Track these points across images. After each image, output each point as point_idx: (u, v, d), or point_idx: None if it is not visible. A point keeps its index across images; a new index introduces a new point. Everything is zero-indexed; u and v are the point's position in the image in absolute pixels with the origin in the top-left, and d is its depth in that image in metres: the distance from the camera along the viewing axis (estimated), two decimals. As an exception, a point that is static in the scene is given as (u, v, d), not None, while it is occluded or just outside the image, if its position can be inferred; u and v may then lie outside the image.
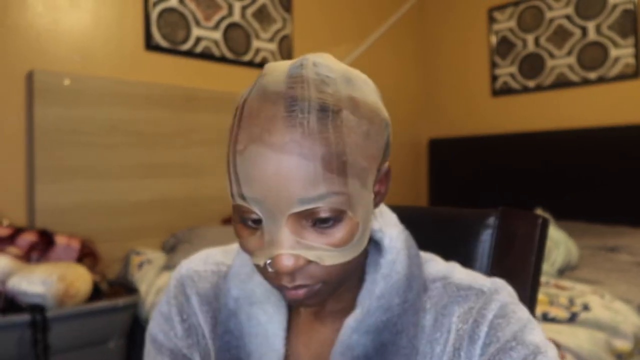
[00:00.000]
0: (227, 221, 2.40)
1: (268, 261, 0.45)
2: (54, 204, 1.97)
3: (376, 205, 0.51)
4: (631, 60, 2.69)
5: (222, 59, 2.52)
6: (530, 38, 3.06)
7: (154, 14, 2.29)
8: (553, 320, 1.47)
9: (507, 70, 3.15)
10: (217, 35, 2.50)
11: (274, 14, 2.71)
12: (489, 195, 3.10)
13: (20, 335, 1.46)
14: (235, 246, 0.63)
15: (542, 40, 3.00)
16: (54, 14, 2.04)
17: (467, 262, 0.69)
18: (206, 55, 2.46)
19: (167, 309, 0.61)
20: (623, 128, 2.66)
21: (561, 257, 1.98)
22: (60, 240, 1.78)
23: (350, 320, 0.51)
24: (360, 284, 0.55)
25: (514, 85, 3.13)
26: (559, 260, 1.97)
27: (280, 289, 0.47)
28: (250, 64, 2.59)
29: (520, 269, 0.66)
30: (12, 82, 1.94)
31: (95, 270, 1.82)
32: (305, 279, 0.46)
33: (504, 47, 3.17)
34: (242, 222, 0.47)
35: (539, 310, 1.51)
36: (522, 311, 0.51)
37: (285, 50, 2.76)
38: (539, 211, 2.34)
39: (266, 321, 0.55)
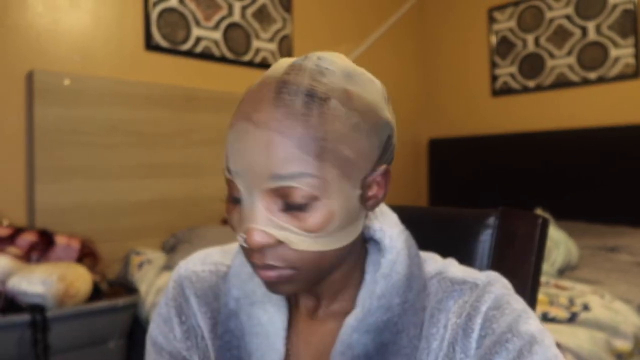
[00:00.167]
0: (227, 221, 2.40)
1: (243, 235, 0.46)
2: (54, 204, 1.97)
3: (372, 206, 0.51)
4: (631, 60, 2.69)
5: (222, 59, 2.52)
6: (530, 38, 3.06)
7: (154, 14, 2.29)
8: (553, 320, 1.47)
9: (507, 70, 3.15)
10: (217, 35, 2.50)
11: (274, 14, 2.71)
12: (489, 195, 3.10)
13: (20, 335, 1.46)
14: (234, 246, 0.63)
15: (542, 40, 3.00)
16: (54, 14, 2.04)
17: (467, 262, 0.69)
18: (206, 55, 2.46)
19: (166, 311, 0.61)
20: (623, 128, 2.66)
21: (561, 257, 1.98)
22: (60, 240, 1.78)
23: (351, 320, 0.51)
24: (360, 284, 0.55)
25: (514, 85, 3.13)
26: (559, 260, 1.97)
27: (254, 267, 0.49)
28: (250, 64, 2.59)
29: (520, 269, 0.66)
30: (12, 82, 1.94)
31: (95, 270, 1.82)
32: (275, 260, 0.47)
33: (504, 47, 3.17)
34: (229, 199, 0.49)
35: (539, 310, 1.51)
36: (517, 302, 0.51)
37: (285, 50, 2.76)
38: (539, 211, 2.34)
39: (267, 321, 0.55)
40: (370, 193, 0.50)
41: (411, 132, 3.52)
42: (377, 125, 0.48)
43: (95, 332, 1.63)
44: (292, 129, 0.44)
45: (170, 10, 2.34)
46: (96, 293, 1.69)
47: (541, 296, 1.56)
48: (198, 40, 2.43)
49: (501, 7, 3.17)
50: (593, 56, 2.81)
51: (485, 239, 0.69)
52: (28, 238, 1.74)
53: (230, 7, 2.54)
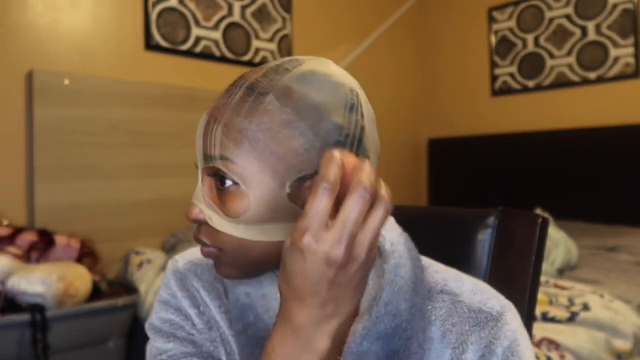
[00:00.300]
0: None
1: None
2: (53, 204, 1.97)
3: None
4: (631, 60, 2.69)
5: (222, 59, 2.52)
6: (530, 38, 3.06)
7: (154, 14, 2.29)
8: (553, 320, 1.47)
9: (507, 70, 3.15)
10: (217, 35, 2.50)
11: (274, 14, 2.71)
12: (489, 195, 3.10)
13: (20, 335, 1.46)
14: None
15: (542, 40, 3.00)
16: (54, 14, 2.04)
17: (467, 262, 0.69)
18: (206, 55, 2.46)
19: (175, 301, 0.60)
20: (623, 128, 2.66)
21: (561, 257, 1.98)
22: (60, 240, 1.78)
23: (359, 328, 0.50)
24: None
25: (514, 85, 3.13)
26: (559, 260, 1.97)
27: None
28: (250, 64, 2.59)
29: (520, 268, 0.66)
30: (12, 82, 1.94)
31: (95, 270, 1.82)
32: (204, 236, 0.51)
33: (504, 47, 3.17)
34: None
35: (539, 310, 1.51)
36: (526, 341, 0.52)
37: (285, 50, 2.76)
38: (539, 211, 2.34)
39: None
40: (301, 198, 0.49)
41: (411, 132, 3.52)
42: (319, 127, 0.47)
43: (95, 332, 1.63)
44: (222, 116, 0.48)
45: (170, 10, 2.34)
46: (96, 293, 1.69)
47: (541, 296, 1.55)
48: (198, 40, 2.43)
49: (501, 7, 3.17)
50: (593, 56, 2.81)
51: (485, 239, 0.69)
52: (28, 238, 1.74)
53: (230, 7, 2.54)
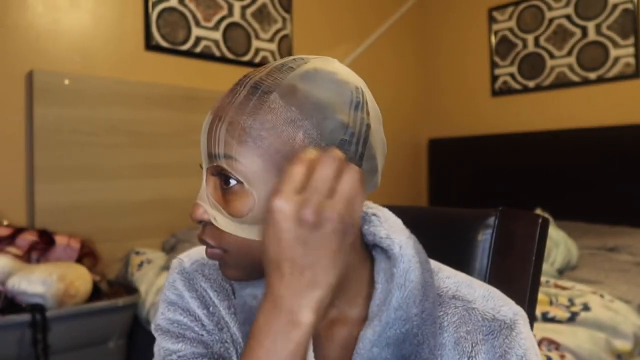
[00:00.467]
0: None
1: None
2: (53, 204, 1.97)
3: None
4: (631, 60, 2.69)
5: (222, 59, 2.52)
6: (530, 38, 3.06)
7: (154, 14, 2.29)
8: (553, 320, 1.47)
9: (507, 70, 3.15)
10: (217, 35, 2.50)
11: (274, 14, 2.71)
12: (489, 195, 3.10)
13: (20, 335, 1.46)
14: None
15: (542, 40, 3.00)
16: (54, 14, 2.04)
17: (467, 262, 0.69)
18: (206, 55, 2.46)
19: (182, 302, 0.58)
20: (623, 128, 2.66)
21: (561, 257, 1.98)
22: (60, 240, 1.78)
23: (368, 333, 0.50)
24: (371, 293, 0.53)
25: (514, 85, 3.13)
26: (559, 260, 1.97)
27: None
28: (250, 64, 2.59)
29: (520, 268, 0.66)
30: (12, 82, 1.94)
31: (95, 270, 1.82)
32: (208, 237, 0.50)
33: (504, 47, 3.17)
34: None
35: (539, 310, 1.51)
36: (536, 348, 0.52)
37: (285, 50, 2.76)
38: (539, 211, 2.34)
39: None
40: None
41: (411, 132, 3.52)
42: (323, 125, 0.47)
43: (95, 332, 1.63)
44: (226, 114, 0.48)
45: (170, 10, 2.34)
46: (96, 293, 1.69)
47: (541, 296, 1.55)
48: (198, 40, 2.43)
49: (501, 7, 3.17)
50: (593, 56, 2.81)
51: (485, 239, 0.69)
52: (28, 238, 1.74)
53: (230, 7, 2.54)
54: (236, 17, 2.56)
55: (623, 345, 1.44)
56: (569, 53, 2.89)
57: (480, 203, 1.14)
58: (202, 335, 0.56)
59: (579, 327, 1.43)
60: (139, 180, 2.21)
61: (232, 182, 0.48)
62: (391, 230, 0.54)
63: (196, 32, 2.43)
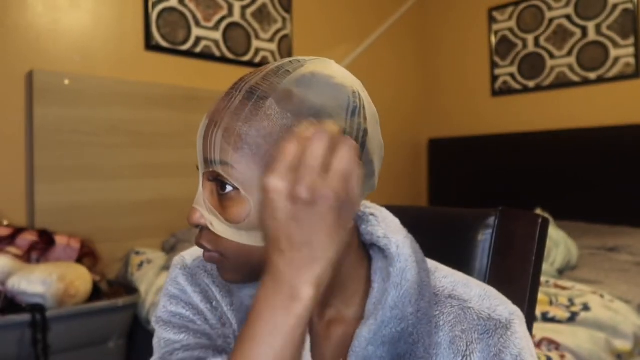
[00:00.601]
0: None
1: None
2: (53, 204, 1.97)
3: None
4: (631, 60, 2.69)
5: (222, 59, 2.52)
6: (530, 38, 3.06)
7: (154, 14, 2.29)
8: (553, 320, 1.47)
9: (507, 70, 3.15)
10: (217, 35, 2.50)
11: (274, 14, 2.71)
12: (489, 195, 3.10)
13: (20, 335, 1.46)
14: None
15: (542, 40, 3.00)
16: (54, 14, 2.04)
17: (467, 262, 0.69)
18: (206, 55, 2.46)
19: (185, 296, 0.58)
20: (623, 128, 2.66)
21: (561, 257, 1.98)
22: (60, 240, 1.78)
23: (364, 332, 0.50)
24: (367, 292, 0.54)
25: (514, 85, 3.13)
26: (559, 260, 1.97)
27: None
28: (250, 64, 2.59)
29: (520, 268, 0.66)
30: (12, 82, 1.94)
31: (95, 270, 1.82)
32: (205, 241, 0.50)
33: (504, 47, 3.17)
34: None
35: (539, 310, 1.51)
36: (532, 348, 0.52)
37: (285, 50, 2.76)
38: (539, 211, 2.34)
39: None
40: None
41: (411, 132, 3.52)
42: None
43: (95, 332, 1.63)
44: (222, 119, 0.48)
45: (170, 10, 2.34)
46: (96, 293, 1.69)
47: (541, 296, 1.55)
48: (198, 40, 2.43)
49: (501, 7, 3.17)
50: (593, 56, 2.81)
51: (485, 239, 0.69)
52: (28, 238, 1.74)
53: (230, 7, 2.54)
54: (236, 17, 2.56)
55: (623, 345, 1.44)
56: (569, 53, 2.89)
57: (480, 203, 1.14)
58: (205, 328, 0.56)
59: (579, 327, 1.43)
60: (139, 180, 2.21)
61: (229, 188, 0.48)
62: (388, 230, 0.54)
63: (196, 32, 2.43)
